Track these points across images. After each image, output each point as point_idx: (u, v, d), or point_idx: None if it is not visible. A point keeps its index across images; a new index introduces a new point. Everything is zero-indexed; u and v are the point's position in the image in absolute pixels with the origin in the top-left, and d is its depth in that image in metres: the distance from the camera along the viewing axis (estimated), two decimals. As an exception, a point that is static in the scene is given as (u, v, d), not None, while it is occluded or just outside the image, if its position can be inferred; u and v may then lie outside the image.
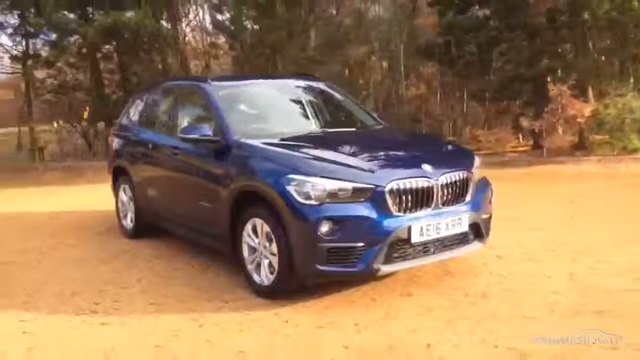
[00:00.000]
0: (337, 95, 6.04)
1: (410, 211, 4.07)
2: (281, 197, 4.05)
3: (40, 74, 19.67)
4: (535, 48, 11.94)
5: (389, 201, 3.99)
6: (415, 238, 4.05)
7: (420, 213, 4.10)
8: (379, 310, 4.05)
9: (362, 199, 3.98)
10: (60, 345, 3.76)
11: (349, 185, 3.98)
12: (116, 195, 6.88)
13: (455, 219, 4.24)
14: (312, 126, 5.28)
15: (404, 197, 4.04)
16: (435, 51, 12.86)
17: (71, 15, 15.74)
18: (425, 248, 4.19)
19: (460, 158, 4.69)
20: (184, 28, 17.19)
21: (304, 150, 4.44)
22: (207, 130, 4.90)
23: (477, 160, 4.74)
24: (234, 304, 4.31)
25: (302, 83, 6.04)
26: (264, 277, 4.34)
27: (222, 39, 17.07)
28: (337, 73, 14.42)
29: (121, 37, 15.27)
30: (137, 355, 3.54)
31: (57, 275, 5.34)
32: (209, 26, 17.04)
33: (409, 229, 4.02)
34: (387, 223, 3.97)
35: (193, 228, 5.35)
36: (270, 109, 5.50)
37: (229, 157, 4.69)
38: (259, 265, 4.39)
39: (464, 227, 4.31)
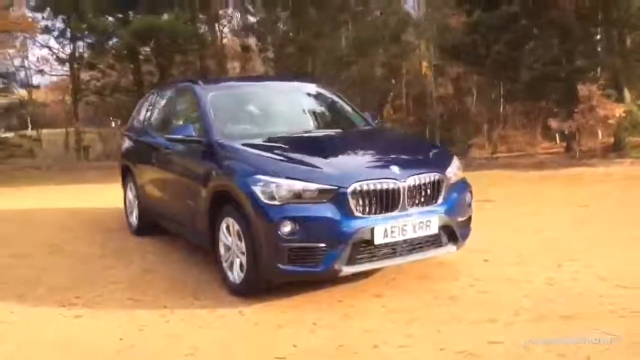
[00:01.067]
0: (330, 97, 6.06)
1: (375, 213, 4.08)
2: (248, 196, 4.14)
3: (86, 76, 20.51)
4: (565, 46, 11.62)
5: (352, 202, 4.01)
6: (379, 240, 4.05)
7: (385, 215, 4.11)
8: (342, 310, 4.08)
9: (324, 200, 4.01)
10: (29, 335, 3.96)
11: (313, 186, 4.03)
12: (124, 193, 7.15)
13: (424, 221, 4.21)
14: (297, 127, 5.29)
15: (367, 199, 4.06)
16: (463, 50, 12.66)
17: (110, 19, 16.32)
18: (392, 249, 4.18)
19: (436, 160, 4.64)
20: (221, 29, 17.52)
21: (278, 151, 4.50)
22: (191, 130, 5.04)
23: (454, 163, 4.70)
24: (206, 301, 4.41)
25: (295, 85, 6.13)
26: (236, 275, 4.43)
27: (256, 40, 17.30)
28: (367, 73, 14.40)
29: (157, 40, 15.74)
30: (98, 346, 3.69)
31: (58, 269, 5.58)
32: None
33: (372, 230, 4.02)
34: (349, 224, 3.99)
35: (183, 226, 5.51)
36: (258, 111, 5.59)
37: (209, 157, 4.82)
38: (232, 263, 4.49)
39: (433, 230, 4.28)
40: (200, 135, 5.01)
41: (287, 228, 3.97)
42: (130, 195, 6.89)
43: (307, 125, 5.42)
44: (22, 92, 23.27)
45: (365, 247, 4.07)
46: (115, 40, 16.52)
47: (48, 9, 17.02)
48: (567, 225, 6.31)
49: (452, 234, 4.45)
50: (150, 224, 6.53)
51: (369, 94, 14.67)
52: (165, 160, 5.69)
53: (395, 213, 4.14)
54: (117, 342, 3.73)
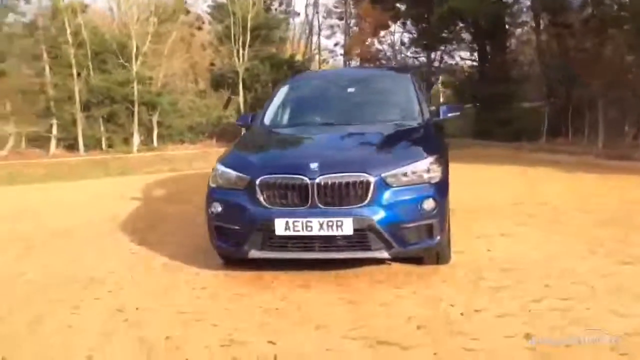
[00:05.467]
0: (408, 90, 5.85)
1: (280, 205, 4.37)
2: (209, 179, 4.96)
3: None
4: None
5: (259, 193, 4.41)
6: (280, 231, 4.32)
7: (289, 208, 4.34)
8: (250, 289, 4.49)
9: (242, 189, 4.54)
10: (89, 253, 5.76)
11: (239, 176, 4.61)
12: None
13: (334, 221, 4.24)
14: (332, 119, 5.54)
15: (273, 191, 4.38)
16: None
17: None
18: (304, 243, 4.38)
19: (382, 161, 4.48)
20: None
21: (257, 142, 5.21)
22: (247, 118, 5.99)
23: (414, 166, 4.45)
24: (203, 263, 5.20)
25: (379, 75, 6.29)
26: (217, 246, 5.22)
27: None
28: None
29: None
30: (86, 272, 5.13)
31: (181, 227, 6.99)
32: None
33: (273, 221, 4.32)
34: (254, 213, 4.42)
35: None
36: (316, 103, 6.02)
37: None
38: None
39: (347, 231, 4.25)
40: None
41: (213, 209, 4.67)
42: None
43: (342, 119, 5.55)
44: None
45: (272, 237, 4.39)
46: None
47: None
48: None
49: (383, 239, 4.28)
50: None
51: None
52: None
53: (302, 209, 4.31)
54: (103, 273, 5.07)
